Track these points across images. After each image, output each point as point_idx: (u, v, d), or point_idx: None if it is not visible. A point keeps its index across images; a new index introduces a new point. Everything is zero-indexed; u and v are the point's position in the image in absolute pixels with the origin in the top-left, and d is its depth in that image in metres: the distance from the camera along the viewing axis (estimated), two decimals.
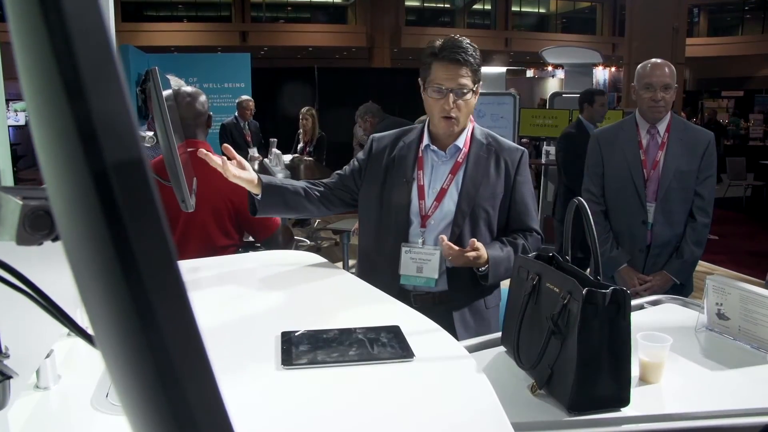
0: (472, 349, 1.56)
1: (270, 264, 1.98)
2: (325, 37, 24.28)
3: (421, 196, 1.93)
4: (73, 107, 0.23)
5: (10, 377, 0.70)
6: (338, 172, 2.08)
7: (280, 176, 5.81)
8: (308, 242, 6.72)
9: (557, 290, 1.34)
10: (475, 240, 1.82)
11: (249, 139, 7.14)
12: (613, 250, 2.68)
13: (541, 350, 1.33)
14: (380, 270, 1.97)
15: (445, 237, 1.82)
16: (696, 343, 1.67)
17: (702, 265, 4.75)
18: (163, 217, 0.24)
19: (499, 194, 1.96)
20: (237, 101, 7.39)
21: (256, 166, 5.65)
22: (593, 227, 1.37)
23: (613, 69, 24.98)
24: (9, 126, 1.38)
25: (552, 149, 6.61)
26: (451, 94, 1.84)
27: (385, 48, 23.24)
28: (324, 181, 2.06)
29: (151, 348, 0.24)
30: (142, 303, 0.24)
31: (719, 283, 1.69)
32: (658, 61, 2.67)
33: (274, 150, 6.14)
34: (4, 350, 0.69)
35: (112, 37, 0.24)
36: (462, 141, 1.96)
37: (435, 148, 1.96)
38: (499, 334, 1.63)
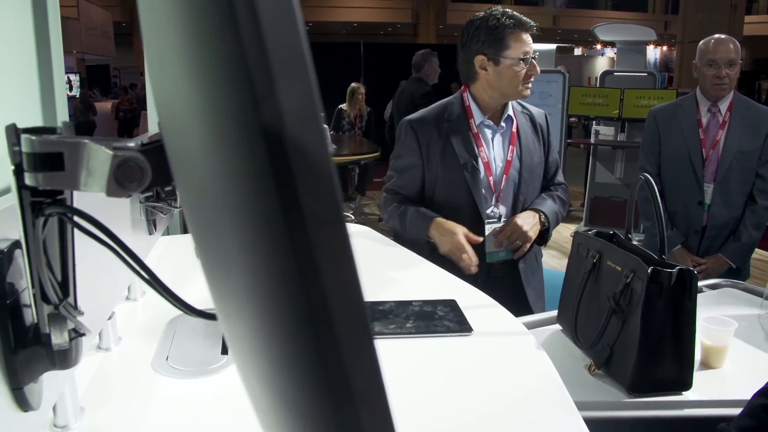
0: (527, 326, 1.54)
1: None
2: (370, 12, 24.03)
3: (489, 172, 1.93)
4: (244, 41, 0.18)
5: (83, 335, 0.70)
6: (394, 186, 1.99)
7: None
8: (353, 218, 6.74)
9: (619, 269, 1.30)
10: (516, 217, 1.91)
11: None
12: (666, 231, 2.61)
13: (601, 329, 1.30)
14: None
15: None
16: (759, 329, 1.61)
17: (758, 253, 4.59)
18: (335, 171, 0.21)
19: (542, 157, 2.04)
20: None
21: None
22: (660, 205, 1.33)
23: (664, 48, 24.20)
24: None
25: (601, 129, 6.43)
26: (533, 60, 1.86)
27: (431, 24, 22.91)
28: (404, 194, 1.99)
29: (313, 318, 0.20)
30: (307, 264, 0.20)
31: None
32: (722, 36, 2.57)
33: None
34: (79, 308, 0.69)
35: None
36: (511, 111, 1.97)
37: (490, 122, 1.94)
38: (553, 313, 1.60)
